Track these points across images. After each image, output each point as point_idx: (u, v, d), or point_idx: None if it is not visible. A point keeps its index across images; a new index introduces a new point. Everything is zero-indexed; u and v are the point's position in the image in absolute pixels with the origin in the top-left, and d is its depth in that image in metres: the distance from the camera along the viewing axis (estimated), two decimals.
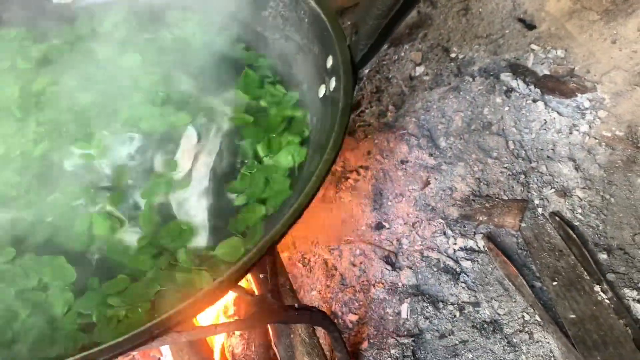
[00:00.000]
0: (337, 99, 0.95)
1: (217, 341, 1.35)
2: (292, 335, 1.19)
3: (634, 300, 1.37)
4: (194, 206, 0.95)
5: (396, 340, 1.33)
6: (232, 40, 1.24)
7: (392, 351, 1.31)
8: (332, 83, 1.01)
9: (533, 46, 2.00)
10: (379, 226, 1.60)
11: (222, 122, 1.10)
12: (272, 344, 1.26)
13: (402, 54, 2.21)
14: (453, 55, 2.14)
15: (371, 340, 1.34)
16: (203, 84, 1.14)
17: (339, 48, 1.02)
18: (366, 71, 2.17)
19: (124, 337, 0.62)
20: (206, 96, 1.13)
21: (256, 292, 1.16)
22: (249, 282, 1.30)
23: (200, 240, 0.90)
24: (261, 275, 1.14)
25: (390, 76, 2.15)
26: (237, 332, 1.36)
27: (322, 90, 1.07)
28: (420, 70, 2.11)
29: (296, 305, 1.08)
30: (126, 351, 0.65)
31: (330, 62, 1.03)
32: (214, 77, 1.16)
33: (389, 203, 1.65)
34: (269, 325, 1.28)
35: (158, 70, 1.14)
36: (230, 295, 1.33)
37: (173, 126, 1.06)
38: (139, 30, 1.24)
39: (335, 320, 1.41)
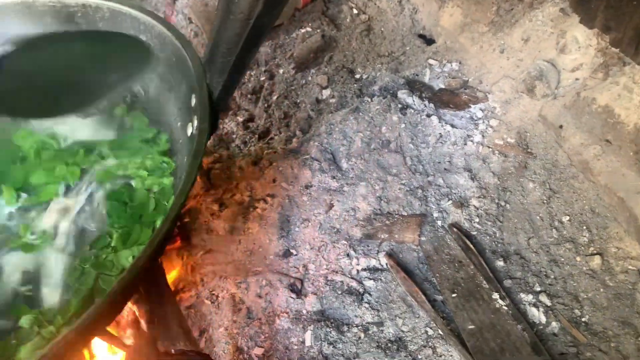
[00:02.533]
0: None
1: None
2: None
3: (529, 304, 1.40)
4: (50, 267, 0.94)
5: None
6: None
7: None
8: (195, 122, 1.01)
9: (430, 61, 2.06)
10: (286, 254, 1.60)
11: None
12: None
13: (309, 78, 2.23)
14: (357, 76, 2.18)
15: None
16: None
17: (199, 86, 1.02)
18: (275, 97, 2.19)
19: None
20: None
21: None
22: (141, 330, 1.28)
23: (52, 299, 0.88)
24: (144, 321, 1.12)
25: (298, 101, 2.17)
26: None
27: (189, 129, 1.08)
28: (326, 93, 2.14)
29: (172, 350, 1.07)
30: None
31: (193, 100, 1.04)
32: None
33: (296, 229, 1.65)
34: None
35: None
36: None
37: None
38: None
39: (241, 356, 1.39)
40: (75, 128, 1.15)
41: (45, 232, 0.98)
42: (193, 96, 1.04)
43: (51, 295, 0.91)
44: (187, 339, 1.24)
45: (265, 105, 2.17)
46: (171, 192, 1.08)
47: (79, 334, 0.67)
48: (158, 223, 1.01)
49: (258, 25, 0.95)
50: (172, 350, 1.03)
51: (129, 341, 1.10)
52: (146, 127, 1.19)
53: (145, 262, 0.76)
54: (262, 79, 2.25)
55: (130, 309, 1.42)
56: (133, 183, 1.08)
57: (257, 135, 2.04)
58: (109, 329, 1.19)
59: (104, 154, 1.11)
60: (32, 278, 0.93)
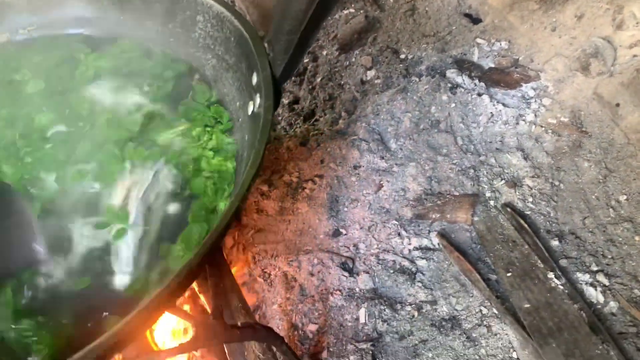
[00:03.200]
0: (261, 115, 0.96)
1: None
2: (245, 353, 1.20)
3: (586, 283, 1.38)
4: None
5: (355, 346, 1.34)
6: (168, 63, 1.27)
7: (352, 357, 1.32)
8: (257, 99, 1.02)
9: (478, 40, 2.02)
10: (336, 233, 1.61)
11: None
12: None
13: (353, 59, 2.22)
14: (402, 56, 2.16)
15: (330, 349, 1.35)
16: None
17: (261, 65, 1.03)
18: (318, 79, 2.19)
19: None
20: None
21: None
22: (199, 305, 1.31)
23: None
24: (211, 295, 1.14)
25: (342, 82, 2.17)
26: (197, 354, 1.36)
27: (250, 108, 1.08)
28: (371, 74, 2.13)
29: (239, 323, 1.08)
30: None
31: (255, 79, 1.04)
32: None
33: (345, 209, 1.65)
34: (225, 346, 1.28)
35: None
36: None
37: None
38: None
39: (296, 332, 1.41)
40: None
41: (114, 209, 1.00)
42: (254, 74, 1.04)
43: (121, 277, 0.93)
44: (247, 313, 1.26)
45: (310, 87, 2.17)
46: (233, 176, 1.08)
47: (154, 307, 0.68)
48: (221, 206, 1.02)
49: (324, 1, 0.95)
50: (239, 323, 1.05)
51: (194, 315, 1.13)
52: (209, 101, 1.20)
53: (216, 240, 0.77)
54: (306, 61, 2.24)
55: (192, 286, 1.46)
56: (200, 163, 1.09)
57: (302, 117, 2.05)
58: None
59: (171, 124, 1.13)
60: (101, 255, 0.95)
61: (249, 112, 1.09)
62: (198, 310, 1.32)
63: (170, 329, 1.36)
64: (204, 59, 1.27)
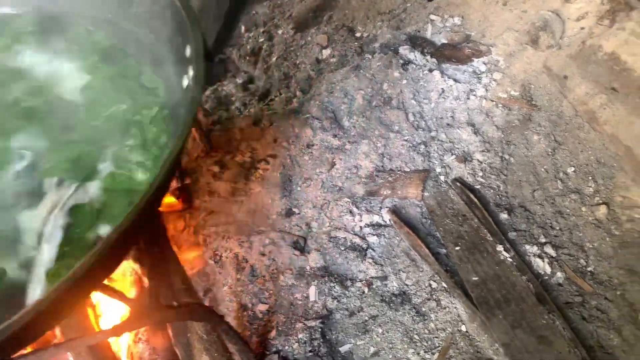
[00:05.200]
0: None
1: (126, 350, 1.32)
2: (188, 334, 1.17)
3: (534, 255, 1.39)
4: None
5: (304, 324, 1.33)
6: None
7: (300, 336, 1.30)
8: (191, 72, 0.99)
9: (432, 16, 2.01)
10: (289, 213, 1.59)
11: None
12: (173, 345, 1.24)
13: (309, 38, 2.20)
14: (358, 34, 2.14)
15: (280, 328, 1.33)
16: None
17: (193, 36, 1.00)
18: (274, 59, 2.15)
19: None
20: None
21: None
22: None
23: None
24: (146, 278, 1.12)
25: (298, 62, 2.14)
26: (143, 338, 1.34)
27: (185, 81, 1.05)
28: (326, 53, 2.10)
29: (175, 303, 1.06)
30: None
31: (188, 51, 1.01)
32: None
33: (298, 188, 1.64)
34: (169, 327, 1.26)
35: None
36: None
37: None
38: None
39: (245, 313, 1.39)
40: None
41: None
42: (188, 47, 1.01)
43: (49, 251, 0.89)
44: (190, 295, 1.24)
45: (265, 66, 2.14)
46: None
47: (75, 284, 0.66)
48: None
49: None
50: (175, 303, 1.03)
51: (132, 296, 1.10)
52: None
53: (141, 211, 0.75)
54: (261, 40, 2.21)
55: (133, 268, 1.43)
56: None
57: (257, 97, 2.02)
58: (111, 284, 1.19)
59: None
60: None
61: (184, 86, 1.06)
62: (142, 291, 1.30)
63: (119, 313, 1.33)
64: (142, 34, 1.23)
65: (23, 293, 0.84)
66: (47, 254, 0.90)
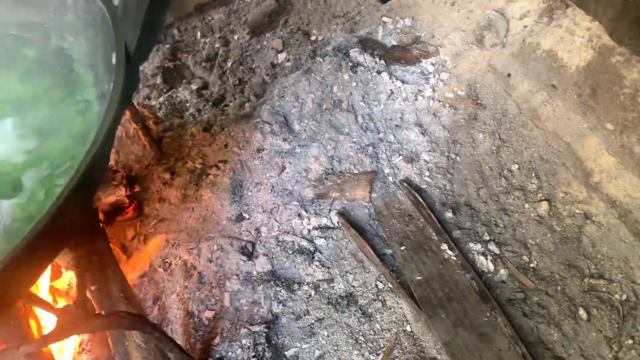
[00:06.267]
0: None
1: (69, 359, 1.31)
2: (126, 343, 1.17)
3: (478, 253, 1.40)
4: None
5: (248, 329, 1.32)
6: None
7: (244, 341, 1.30)
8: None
9: (384, 19, 2.02)
10: (239, 218, 1.58)
11: None
12: (113, 354, 1.23)
13: (265, 42, 2.20)
14: (313, 38, 2.15)
15: (224, 334, 1.33)
16: None
17: (117, 43, 1.00)
18: (229, 64, 2.15)
19: None
20: None
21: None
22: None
23: None
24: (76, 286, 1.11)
25: (253, 66, 2.14)
26: (87, 348, 1.33)
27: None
28: (282, 57, 2.11)
29: (103, 312, 1.06)
30: None
31: (114, 58, 1.01)
32: None
33: (249, 193, 1.63)
34: (108, 337, 1.25)
35: None
36: None
37: None
38: None
39: (192, 320, 1.39)
40: None
41: None
42: (113, 54, 1.01)
43: None
44: (130, 304, 1.23)
45: (220, 72, 2.13)
46: None
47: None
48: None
49: None
50: (103, 312, 1.02)
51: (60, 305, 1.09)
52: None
53: (62, 208, 0.74)
54: (217, 45, 2.21)
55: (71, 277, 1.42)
56: None
57: (211, 103, 2.01)
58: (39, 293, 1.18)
59: None
60: None
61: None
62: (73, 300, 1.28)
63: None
64: (77, 42, 1.23)
65: None
66: None
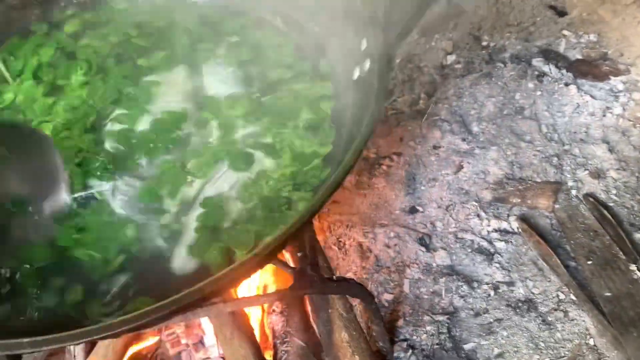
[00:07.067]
0: (370, 81, 0.98)
1: (257, 319, 1.40)
2: (330, 310, 1.24)
3: None
4: None
5: (431, 317, 1.36)
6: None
7: (428, 328, 1.34)
8: (367, 65, 1.04)
9: (565, 32, 2.00)
10: (412, 210, 1.63)
11: None
12: (311, 319, 1.31)
13: (433, 43, 2.23)
14: (484, 43, 2.15)
15: (407, 318, 1.38)
16: None
17: (374, 30, 1.05)
18: (397, 61, 2.20)
19: (162, 302, 0.65)
20: None
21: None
22: (288, 260, 1.35)
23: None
24: (299, 254, 1.18)
25: (421, 65, 2.18)
26: (277, 310, 1.41)
27: (356, 73, 1.11)
28: (451, 58, 2.13)
29: (334, 277, 1.12)
30: (168, 317, 0.69)
31: (364, 44, 1.06)
32: None
33: (422, 187, 1.67)
34: (307, 302, 1.32)
35: None
36: (270, 274, 1.38)
37: None
38: None
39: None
40: None
41: None
42: (364, 40, 1.06)
43: None
44: (331, 273, 1.30)
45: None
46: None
47: (267, 252, 0.72)
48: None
49: None
50: (334, 277, 1.09)
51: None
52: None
53: (326, 198, 0.81)
54: (408, 40, 2.26)
55: None
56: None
57: None
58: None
59: None
60: None
61: (354, 78, 1.11)
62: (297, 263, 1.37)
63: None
64: (306, 26, 1.30)
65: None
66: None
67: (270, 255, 0.77)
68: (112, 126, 1.05)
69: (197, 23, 1.27)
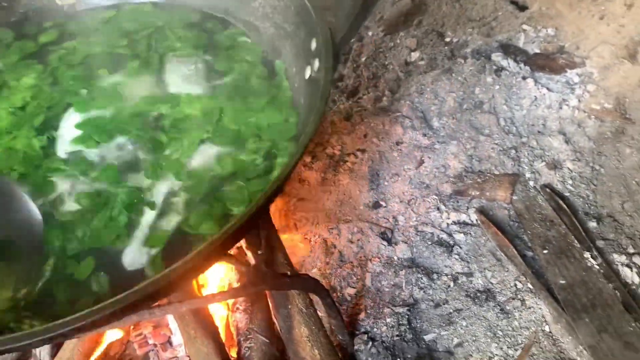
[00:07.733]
0: (318, 79, 1.00)
1: (222, 318, 1.41)
2: (289, 306, 1.25)
3: (622, 264, 1.41)
4: None
5: (392, 309, 1.39)
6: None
7: (388, 320, 1.37)
8: (316, 64, 1.06)
9: (524, 26, 2.04)
10: (376, 205, 1.65)
11: None
12: (272, 315, 1.33)
13: (398, 41, 2.26)
14: (447, 39, 2.19)
15: (368, 311, 1.40)
16: None
17: (321, 31, 1.07)
18: (363, 59, 2.23)
19: (116, 297, 0.66)
20: None
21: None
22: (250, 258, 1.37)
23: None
24: (259, 252, 1.19)
25: (386, 63, 2.20)
26: (241, 308, 1.43)
27: (307, 72, 1.13)
28: (415, 55, 2.16)
29: (289, 272, 1.14)
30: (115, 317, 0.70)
31: (314, 44, 1.09)
32: None
33: (386, 183, 1.70)
34: (268, 299, 1.34)
35: None
36: (230, 271, 1.40)
37: None
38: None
39: (334, 294, 1.47)
40: None
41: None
42: (313, 41, 1.08)
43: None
44: (291, 269, 1.32)
45: (354, 65, 2.21)
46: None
47: (211, 251, 0.72)
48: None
49: None
50: (288, 273, 1.11)
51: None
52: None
53: (274, 192, 0.82)
54: (352, 40, 2.29)
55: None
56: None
57: (345, 94, 2.09)
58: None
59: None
60: None
61: (306, 77, 1.13)
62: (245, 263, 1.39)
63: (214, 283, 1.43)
64: (261, 27, 1.32)
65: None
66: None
67: (217, 252, 0.78)
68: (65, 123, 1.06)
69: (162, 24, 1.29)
